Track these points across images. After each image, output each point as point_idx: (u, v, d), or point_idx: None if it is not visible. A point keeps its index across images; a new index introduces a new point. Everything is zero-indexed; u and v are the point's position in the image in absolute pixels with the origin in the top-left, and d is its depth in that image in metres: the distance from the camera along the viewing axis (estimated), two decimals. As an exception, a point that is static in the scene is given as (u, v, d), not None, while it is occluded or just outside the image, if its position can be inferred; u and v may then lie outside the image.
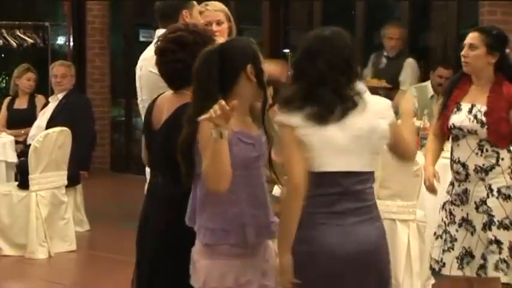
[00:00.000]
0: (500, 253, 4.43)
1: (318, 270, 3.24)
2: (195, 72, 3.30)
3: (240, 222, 3.29)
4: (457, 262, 4.52)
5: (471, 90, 4.56)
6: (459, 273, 4.53)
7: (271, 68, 4.20)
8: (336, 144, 3.19)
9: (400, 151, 3.40)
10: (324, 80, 3.19)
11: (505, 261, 4.43)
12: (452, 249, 4.53)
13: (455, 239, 4.53)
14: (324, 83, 3.18)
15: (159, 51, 3.67)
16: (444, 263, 4.56)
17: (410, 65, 8.00)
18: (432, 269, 4.68)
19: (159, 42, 3.70)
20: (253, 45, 3.35)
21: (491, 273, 4.44)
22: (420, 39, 9.91)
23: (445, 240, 4.56)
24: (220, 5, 4.86)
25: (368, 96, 3.27)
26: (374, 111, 3.23)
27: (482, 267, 4.46)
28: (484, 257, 4.46)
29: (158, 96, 3.74)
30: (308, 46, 3.29)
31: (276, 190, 5.30)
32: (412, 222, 5.45)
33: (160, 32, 4.24)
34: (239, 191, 3.26)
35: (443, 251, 4.56)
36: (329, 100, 3.17)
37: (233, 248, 3.31)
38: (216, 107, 3.02)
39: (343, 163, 3.21)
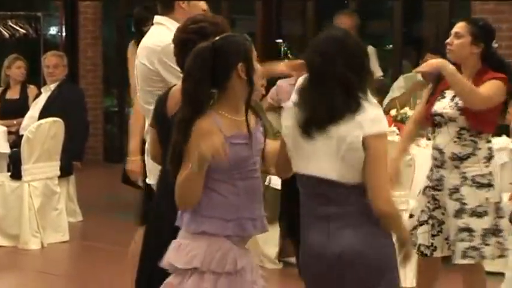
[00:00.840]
0: (471, 241, 4.48)
1: (306, 271, 3.32)
2: (187, 69, 3.26)
3: (238, 215, 3.29)
4: (447, 243, 4.60)
5: None
6: (448, 253, 4.60)
7: (281, 67, 4.22)
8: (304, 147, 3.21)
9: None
10: (345, 83, 3.15)
11: (476, 248, 4.48)
12: (441, 232, 4.60)
13: (443, 222, 4.59)
14: (345, 86, 3.15)
15: (180, 43, 3.61)
16: (435, 247, 4.62)
17: (372, 53, 7.94)
18: (424, 254, 4.71)
19: (178, 33, 3.64)
20: (246, 43, 3.31)
21: (458, 260, 4.50)
22: (413, 30, 9.95)
23: (433, 226, 4.62)
24: None
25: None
26: (357, 120, 3.13)
27: (453, 252, 4.54)
28: (454, 243, 4.52)
29: (172, 87, 3.70)
30: (325, 49, 3.22)
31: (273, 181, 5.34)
32: (405, 212, 5.48)
33: (159, 18, 4.25)
34: (238, 184, 3.27)
35: (433, 235, 4.61)
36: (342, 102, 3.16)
37: (228, 240, 3.31)
38: (218, 144, 3.06)
39: (308, 167, 3.22)
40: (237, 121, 3.29)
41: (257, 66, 3.33)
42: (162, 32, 4.14)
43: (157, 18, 4.24)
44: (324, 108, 3.14)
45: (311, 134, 3.17)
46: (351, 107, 3.12)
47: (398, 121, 6.64)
